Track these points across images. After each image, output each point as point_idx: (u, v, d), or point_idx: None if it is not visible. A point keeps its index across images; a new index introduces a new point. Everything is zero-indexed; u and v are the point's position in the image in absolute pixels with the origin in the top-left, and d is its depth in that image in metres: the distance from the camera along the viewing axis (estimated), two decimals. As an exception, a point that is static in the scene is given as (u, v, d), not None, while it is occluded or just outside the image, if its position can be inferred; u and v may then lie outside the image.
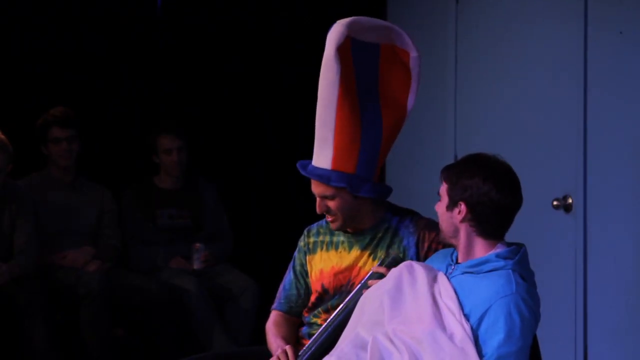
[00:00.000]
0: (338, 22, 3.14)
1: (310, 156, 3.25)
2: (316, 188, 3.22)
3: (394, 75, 3.24)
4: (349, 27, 3.13)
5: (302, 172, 3.24)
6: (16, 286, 4.69)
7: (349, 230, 3.29)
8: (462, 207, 2.90)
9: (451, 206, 2.92)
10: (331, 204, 3.21)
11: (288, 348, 3.17)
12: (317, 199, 3.23)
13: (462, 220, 2.91)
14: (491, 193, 2.87)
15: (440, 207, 2.96)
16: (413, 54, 3.22)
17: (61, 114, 5.09)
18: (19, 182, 4.98)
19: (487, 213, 2.89)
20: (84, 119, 5.24)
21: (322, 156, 3.19)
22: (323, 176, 3.18)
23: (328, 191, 3.19)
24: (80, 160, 5.22)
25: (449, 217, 2.93)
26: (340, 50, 3.11)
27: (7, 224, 4.82)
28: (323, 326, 3.13)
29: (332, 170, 3.17)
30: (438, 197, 2.99)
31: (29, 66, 5.43)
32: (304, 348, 3.13)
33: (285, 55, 5.99)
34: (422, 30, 5.34)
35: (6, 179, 4.78)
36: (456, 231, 2.94)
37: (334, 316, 3.11)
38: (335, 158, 3.16)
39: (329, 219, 3.25)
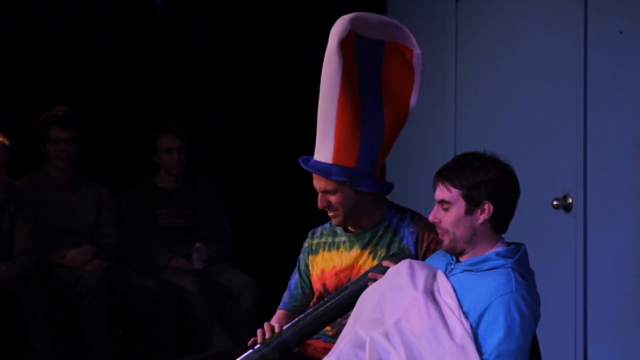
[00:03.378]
0: (342, 17, 3.15)
1: (311, 152, 3.25)
2: (317, 183, 3.22)
3: (397, 73, 3.24)
4: (353, 22, 3.14)
5: (304, 167, 3.24)
6: (16, 285, 4.69)
7: (350, 228, 3.29)
8: (487, 205, 2.85)
9: (473, 208, 2.87)
10: (332, 198, 3.20)
11: (274, 321, 3.19)
12: (319, 194, 3.23)
13: (486, 220, 2.87)
14: (509, 182, 2.86)
15: (455, 214, 2.88)
16: (417, 51, 3.22)
17: (62, 114, 5.08)
18: (17, 181, 4.98)
19: (508, 204, 2.87)
20: (85, 118, 5.24)
21: (323, 150, 3.19)
22: (324, 170, 3.18)
23: (329, 185, 3.19)
24: (80, 160, 5.22)
25: (469, 220, 2.87)
26: (343, 45, 3.11)
27: (7, 223, 4.82)
28: (317, 305, 3.12)
29: (333, 165, 3.17)
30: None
31: (29, 66, 5.43)
32: (291, 322, 3.12)
33: (286, 55, 5.99)
34: (422, 30, 5.31)
35: (6, 179, 4.78)
36: (474, 234, 2.88)
37: (329, 298, 3.10)
38: (336, 152, 3.17)
39: (331, 214, 3.25)
